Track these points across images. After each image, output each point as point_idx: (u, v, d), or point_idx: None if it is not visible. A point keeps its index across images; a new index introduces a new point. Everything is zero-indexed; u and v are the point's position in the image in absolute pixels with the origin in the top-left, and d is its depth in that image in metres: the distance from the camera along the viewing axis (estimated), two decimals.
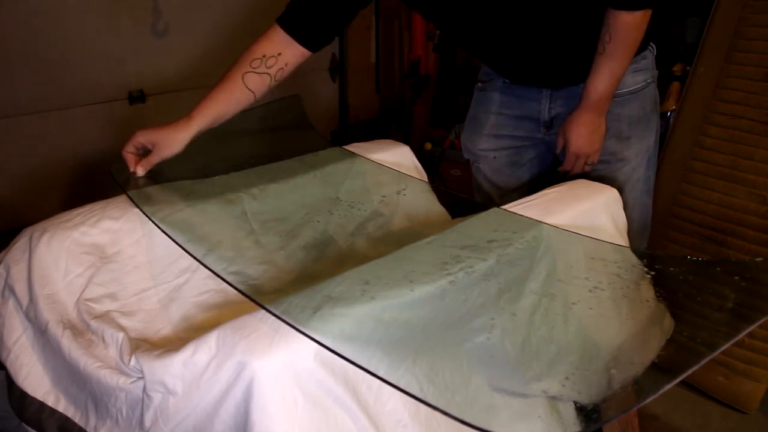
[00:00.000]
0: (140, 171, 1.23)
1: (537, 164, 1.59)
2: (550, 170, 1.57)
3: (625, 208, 1.30)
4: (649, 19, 1.24)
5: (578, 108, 1.35)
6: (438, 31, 3.12)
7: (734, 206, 1.82)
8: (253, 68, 1.25)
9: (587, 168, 1.42)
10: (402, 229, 1.33)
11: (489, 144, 1.57)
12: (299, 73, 1.33)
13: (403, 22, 3.52)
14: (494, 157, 1.57)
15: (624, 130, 1.43)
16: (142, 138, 1.21)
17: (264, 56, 1.26)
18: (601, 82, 1.29)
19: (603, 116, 1.36)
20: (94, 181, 1.64)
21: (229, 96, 1.24)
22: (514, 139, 1.54)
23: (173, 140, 1.21)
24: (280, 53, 1.28)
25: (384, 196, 1.35)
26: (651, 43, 1.43)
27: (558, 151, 1.43)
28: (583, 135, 1.35)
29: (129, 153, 1.23)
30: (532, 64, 1.40)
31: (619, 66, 1.28)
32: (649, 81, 1.43)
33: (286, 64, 1.30)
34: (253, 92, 1.26)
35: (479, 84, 1.57)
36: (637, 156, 1.46)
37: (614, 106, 1.37)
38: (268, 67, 1.26)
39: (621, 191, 1.30)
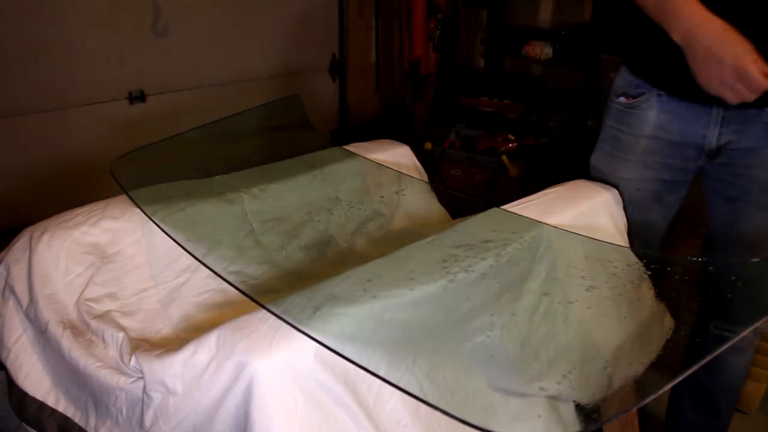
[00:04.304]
0: None
1: (682, 204, 1.34)
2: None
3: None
4: None
5: None
6: (438, 32, 3.11)
7: None
8: None
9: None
10: (402, 229, 1.33)
11: (635, 172, 1.29)
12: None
13: (403, 22, 3.52)
14: (637, 189, 1.30)
15: None
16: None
17: None
18: None
19: None
20: (94, 181, 1.64)
21: None
22: (665, 169, 1.27)
23: None
24: None
25: (383, 196, 1.35)
26: None
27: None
28: None
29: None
30: None
31: None
32: None
33: None
34: None
35: (623, 98, 1.29)
36: None
37: None
38: None
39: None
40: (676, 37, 1.06)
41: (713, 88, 1.04)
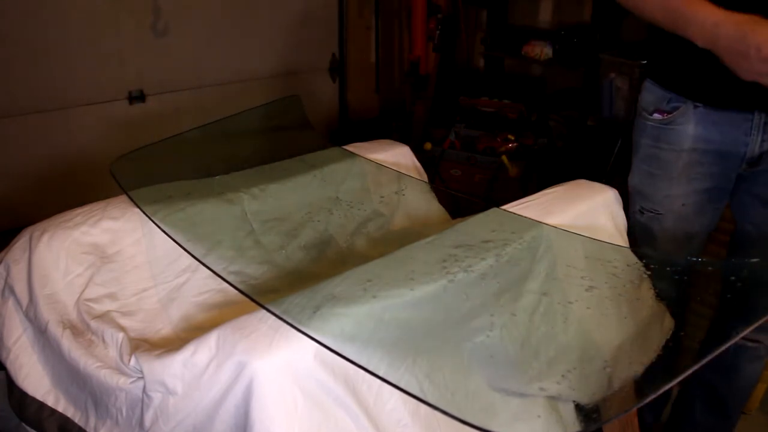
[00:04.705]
0: None
1: (721, 212, 1.32)
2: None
3: None
4: None
5: None
6: (438, 32, 3.12)
7: None
8: None
9: None
10: (402, 229, 1.33)
11: (679, 188, 1.26)
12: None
13: (403, 22, 3.52)
14: (683, 205, 1.27)
15: None
16: None
17: None
18: None
19: None
20: (94, 181, 1.65)
21: None
22: (709, 178, 1.25)
23: None
24: None
25: (383, 197, 1.35)
26: None
27: None
28: None
29: None
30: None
31: None
32: None
33: None
34: None
35: (657, 115, 1.25)
36: None
37: None
38: None
39: None
40: (701, 44, 1.04)
41: (752, 79, 1.01)
